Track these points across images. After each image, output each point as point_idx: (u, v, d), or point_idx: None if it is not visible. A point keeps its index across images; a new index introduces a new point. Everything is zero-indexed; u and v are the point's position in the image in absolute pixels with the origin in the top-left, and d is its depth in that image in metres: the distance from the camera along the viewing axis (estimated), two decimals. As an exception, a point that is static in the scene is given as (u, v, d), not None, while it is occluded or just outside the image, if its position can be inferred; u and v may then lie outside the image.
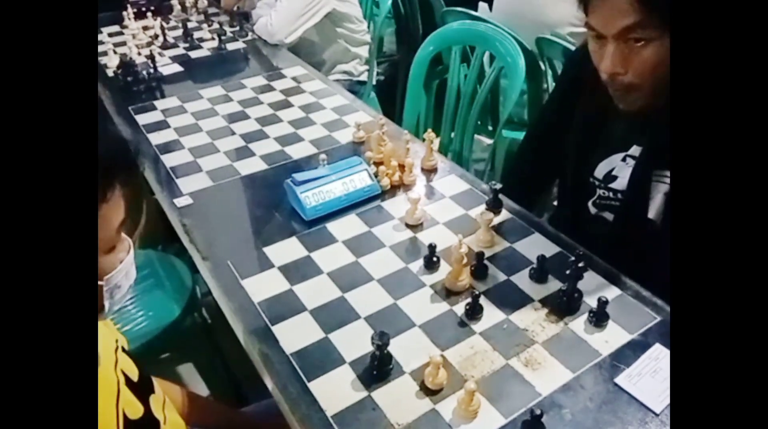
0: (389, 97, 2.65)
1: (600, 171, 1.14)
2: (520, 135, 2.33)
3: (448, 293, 1.02)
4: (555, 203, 1.93)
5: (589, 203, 1.18)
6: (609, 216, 1.16)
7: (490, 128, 2.40)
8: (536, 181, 1.44)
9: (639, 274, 1.04)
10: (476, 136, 2.03)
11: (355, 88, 2.36)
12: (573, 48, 1.89)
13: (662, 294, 1.00)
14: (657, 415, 0.82)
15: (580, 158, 1.18)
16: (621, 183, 1.11)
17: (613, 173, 1.12)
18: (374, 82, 2.53)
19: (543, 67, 2.12)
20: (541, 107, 1.93)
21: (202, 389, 1.74)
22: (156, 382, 0.86)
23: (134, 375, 0.80)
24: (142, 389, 0.79)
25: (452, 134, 1.99)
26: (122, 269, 0.72)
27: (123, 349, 0.82)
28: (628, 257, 1.07)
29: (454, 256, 1.00)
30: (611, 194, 1.14)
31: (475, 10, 2.28)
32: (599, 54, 0.98)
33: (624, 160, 1.11)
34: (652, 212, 1.07)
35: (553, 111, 1.34)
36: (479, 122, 2.07)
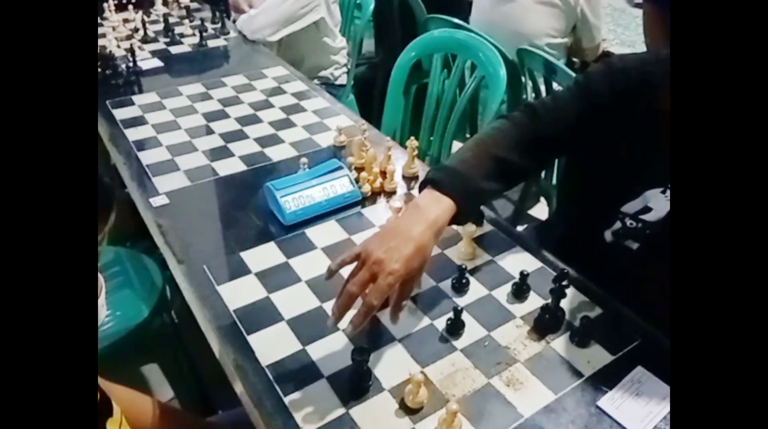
0: (367, 99, 2.64)
1: (630, 207, 1.08)
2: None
3: (429, 307, 1.00)
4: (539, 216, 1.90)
5: (607, 232, 1.12)
6: (632, 244, 1.09)
7: (468, 135, 2.40)
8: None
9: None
10: (453, 141, 2.02)
11: (333, 90, 2.33)
12: (553, 60, 1.89)
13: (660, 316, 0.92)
14: (638, 439, 0.81)
15: (607, 193, 1.10)
16: (655, 215, 1.06)
17: (648, 205, 1.07)
18: (352, 83, 2.51)
19: (523, 78, 2.12)
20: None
21: (167, 393, 1.69)
22: (116, 398, 0.82)
23: None
24: (100, 415, 0.75)
25: (431, 138, 1.98)
26: None
27: None
28: (652, 290, 1.02)
29: None
30: (639, 225, 1.08)
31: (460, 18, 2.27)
32: None
33: (664, 192, 1.05)
34: None
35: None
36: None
